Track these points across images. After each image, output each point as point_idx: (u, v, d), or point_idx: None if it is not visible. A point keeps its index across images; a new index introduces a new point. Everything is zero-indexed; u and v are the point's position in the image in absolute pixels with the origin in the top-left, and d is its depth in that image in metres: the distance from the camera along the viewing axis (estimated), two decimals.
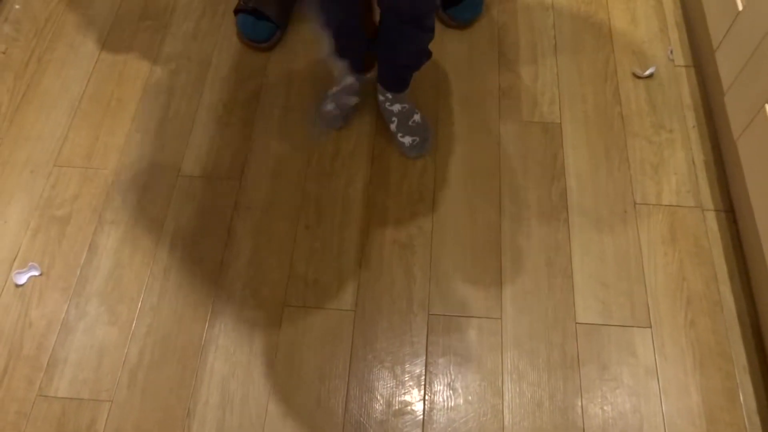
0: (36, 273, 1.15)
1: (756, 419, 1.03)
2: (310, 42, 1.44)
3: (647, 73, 1.37)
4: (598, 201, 1.23)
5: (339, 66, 1.18)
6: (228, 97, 1.36)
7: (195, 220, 1.21)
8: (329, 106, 1.28)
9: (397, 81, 1.22)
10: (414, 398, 1.05)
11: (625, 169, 1.26)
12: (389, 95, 1.24)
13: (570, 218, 1.21)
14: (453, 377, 1.06)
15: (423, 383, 1.06)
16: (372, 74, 1.27)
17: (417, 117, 1.26)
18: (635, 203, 1.22)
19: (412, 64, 1.18)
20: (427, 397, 1.05)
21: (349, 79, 1.27)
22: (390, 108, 1.25)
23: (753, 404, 1.04)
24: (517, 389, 1.05)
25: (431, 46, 1.17)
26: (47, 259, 1.17)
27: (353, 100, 1.28)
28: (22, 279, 1.14)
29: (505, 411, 1.03)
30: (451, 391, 1.05)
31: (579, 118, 1.33)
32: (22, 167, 1.27)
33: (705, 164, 1.27)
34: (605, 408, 1.04)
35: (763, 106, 1.04)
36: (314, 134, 1.30)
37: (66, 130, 1.32)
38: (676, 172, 1.26)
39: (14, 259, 1.17)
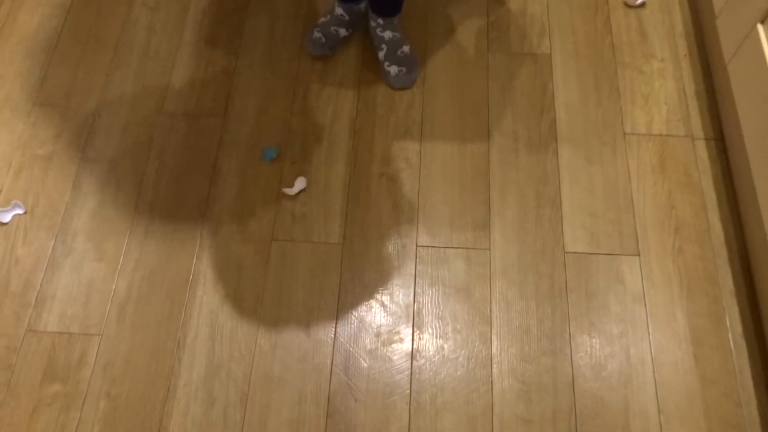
0: (20, 211, 1.14)
1: (741, 342, 1.04)
2: None
3: (639, 1, 1.34)
4: (588, 131, 1.21)
5: None
6: (210, 33, 1.33)
7: (179, 157, 1.19)
8: (316, 35, 1.25)
9: (389, 4, 1.19)
10: (403, 328, 1.05)
11: (615, 100, 1.24)
12: (380, 21, 1.21)
13: (559, 149, 1.19)
14: (441, 307, 1.07)
15: (411, 313, 1.06)
16: (362, 5, 1.23)
17: (406, 48, 1.23)
18: (625, 133, 1.21)
19: None
20: (415, 327, 1.05)
21: (339, 10, 1.24)
22: (381, 34, 1.22)
23: (739, 328, 1.05)
24: (506, 317, 1.06)
25: None
26: (31, 198, 1.15)
27: (342, 32, 1.25)
28: (7, 217, 1.13)
29: (493, 338, 1.04)
30: (439, 321, 1.06)
31: (569, 49, 1.30)
32: (1, 107, 1.25)
33: (696, 93, 1.25)
34: (593, 334, 1.04)
35: (754, 26, 1.02)
36: (300, 68, 1.27)
37: (44, 68, 1.29)
38: (667, 102, 1.24)
39: None
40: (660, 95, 1.25)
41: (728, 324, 1.05)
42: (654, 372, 1.01)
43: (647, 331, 1.05)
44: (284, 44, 1.31)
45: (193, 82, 1.27)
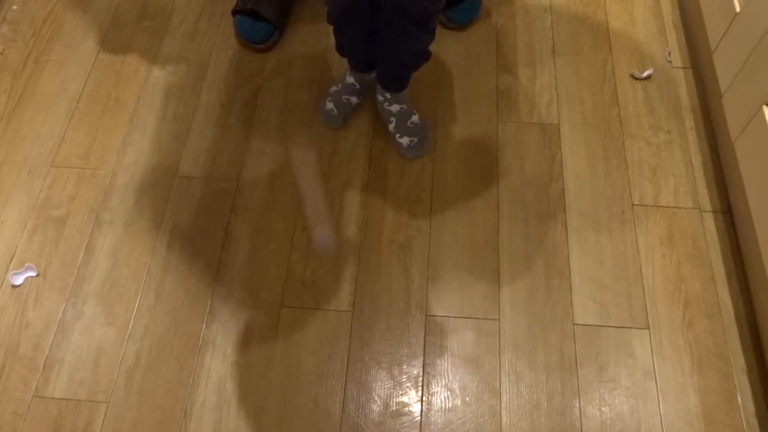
0: (33, 274, 1.15)
1: (754, 421, 1.02)
2: (309, 43, 1.44)
3: (645, 74, 1.37)
4: (596, 202, 1.23)
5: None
6: (226, 98, 1.36)
7: (193, 221, 1.21)
8: (329, 105, 1.28)
9: (396, 81, 1.22)
10: (411, 399, 1.05)
11: (623, 171, 1.26)
12: (388, 95, 1.24)
13: (568, 219, 1.21)
14: (450, 378, 1.06)
15: (420, 384, 1.06)
16: (373, 75, 1.27)
17: (415, 118, 1.26)
18: (633, 204, 1.22)
19: (411, 65, 1.19)
20: (424, 398, 1.05)
21: (350, 79, 1.27)
22: (388, 108, 1.25)
23: (751, 406, 1.04)
24: (515, 390, 1.05)
25: (430, 48, 1.17)
26: (44, 260, 1.16)
27: (353, 101, 1.28)
28: (19, 280, 1.14)
29: (503, 412, 1.03)
30: (448, 392, 1.05)
31: (577, 119, 1.33)
32: (19, 167, 1.27)
33: (703, 166, 1.27)
34: (603, 409, 1.03)
35: (760, 108, 1.04)
36: (312, 134, 1.30)
37: (63, 130, 1.32)
38: (674, 174, 1.26)
39: (11, 260, 1.17)
40: (667, 167, 1.27)
41: (740, 402, 1.04)
42: None
43: (658, 408, 1.04)
44: (297, 110, 1.35)
45: (209, 147, 1.30)
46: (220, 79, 1.39)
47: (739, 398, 1.04)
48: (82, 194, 1.24)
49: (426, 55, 1.17)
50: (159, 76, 1.39)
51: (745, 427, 1.02)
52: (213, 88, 1.38)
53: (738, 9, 1.14)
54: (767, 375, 1.05)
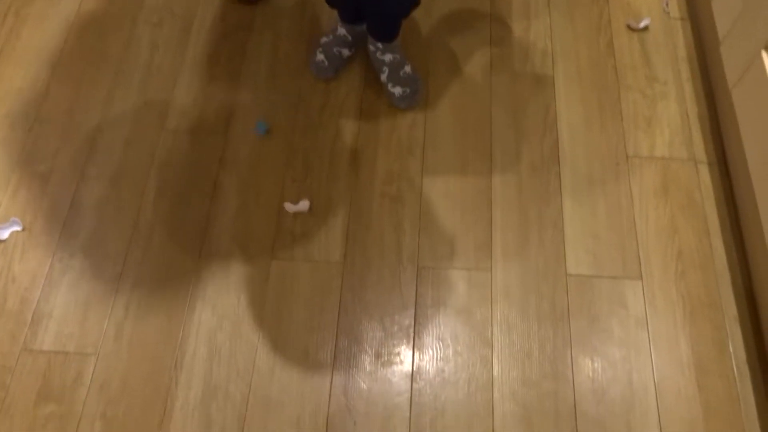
0: (18, 228, 1.13)
1: (745, 369, 1.02)
2: None
3: (642, 25, 1.34)
4: (590, 154, 1.21)
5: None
6: (213, 51, 1.33)
7: (180, 175, 1.19)
8: (319, 57, 1.25)
9: (387, 30, 1.19)
10: (403, 349, 1.04)
11: (618, 122, 1.24)
12: (380, 45, 1.21)
13: (561, 171, 1.19)
14: (442, 328, 1.05)
15: (412, 334, 1.05)
16: (363, 27, 1.24)
17: (407, 68, 1.23)
18: (627, 156, 1.21)
19: (399, 12, 1.15)
20: (416, 348, 1.04)
21: (341, 31, 1.24)
22: (381, 58, 1.22)
23: (742, 354, 1.04)
24: (507, 340, 1.05)
25: None
26: (29, 215, 1.14)
27: (345, 53, 1.25)
28: (4, 234, 1.12)
29: (495, 361, 1.03)
30: (440, 342, 1.04)
31: (572, 70, 1.30)
32: (1, 122, 1.24)
33: (699, 117, 1.25)
34: (595, 358, 1.03)
35: (759, 53, 1.02)
36: (302, 85, 1.28)
37: (46, 84, 1.29)
38: (670, 125, 1.24)
39: None
40: (663, 118, 1.25)
41: (731, 351, 1.04)
42: (657, 399, 1.00)
43: (650, 357, 1.03)
44: (287, 61, 1.31)
45: (196, 99, 1.27)
46: (207, 31, 1.35)
47: (730, 347, 1.04)
48: (66, 149, 1.21)
49: (413, 1, 1.14)
50: (143, 29, 1.36)
51: (736, 374, 1.02)
52: (199, 40, 1.34)
53: None
54: (759, 324, 1.05)
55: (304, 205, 1.13)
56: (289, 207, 1.13)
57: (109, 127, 1.23)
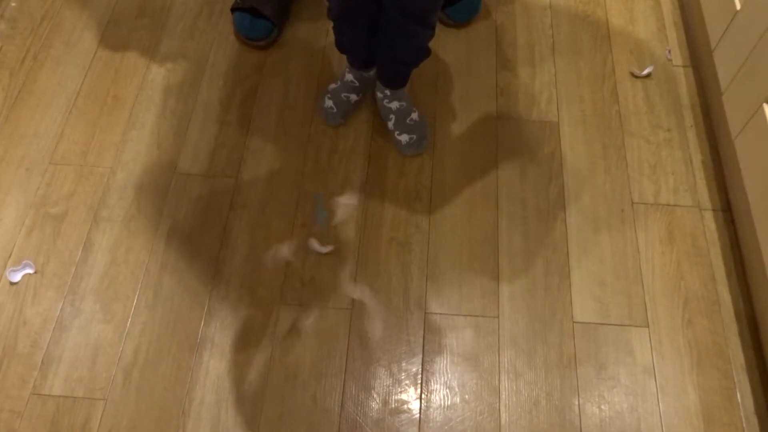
0: (30, 270, 1.14)
1: (754, 419, 1.02)
2: (308, 41, 1.44)
3: (645, 72, 1.37)
4: (596, 200, 1.22)
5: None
6: (225, 96, 1.36)
7: (191, 218, 1.20)
8: (328, 103, 1.28)
9: (396, 77, 1.22)
10: (410, 397, 1.04)
11: (623, 168, 1.26)
12: (387, 92, 1.24)
13: (567, 217, 1.20)
14: (449, 376, 1.06)
15: (419, 381, 1.05)
16: (372, 72, 1.27)
17: (415, 115, 1.26)
18: (633, 202, 1.22)
19: (411, 61, 1.18)
20: (423, 396, 1.04)
21: (349, 76, 1.27)
22: (388, 105, 1.24)
23: (751, 404, 1.03)
24: (514, 388, 1.05)
25: (430, 45, 1.17)
26: (42, 257, 1.16)
27: (353, 98, 1.28)
28: (17, 277, 1.13)
29: (502, 410, 1.03)
30: (447, 390, 1.05)
31: (577, 116, 1.33)
32: (17, 165, 1.27)
33: (703, 164, 1.27)
34: (602, 407, 1.03)
35: (761, 106, 1.04)
36: (311, 132, 1.30)
37: (62, 127, 1.31)
38: (674, 172, 1.26)
39: (9, 257, 1.16)
40: (667, 165, 1.27)
41: (740, 400, 1.04)
42: None
43: (657, 406, 1.03)
44: (297, 107, 1.34)
45: (207, 143, 1.29)
46: (219, 76, 1.38)
47: (738, 396, 1.04)
48: (80, 192, 1.23)
49: (426, 52, 1.17)
50: (157, 73, 1.39)
51: (744, 425, 1.02)
52: (212, 85, 1.37)
53: (738, 7, 1.13)
54: (767, 373, 1.05)
55: (328, 248, 1.14)
56: (314, 245, 1.14)
57: (122, 171, 1.26)
